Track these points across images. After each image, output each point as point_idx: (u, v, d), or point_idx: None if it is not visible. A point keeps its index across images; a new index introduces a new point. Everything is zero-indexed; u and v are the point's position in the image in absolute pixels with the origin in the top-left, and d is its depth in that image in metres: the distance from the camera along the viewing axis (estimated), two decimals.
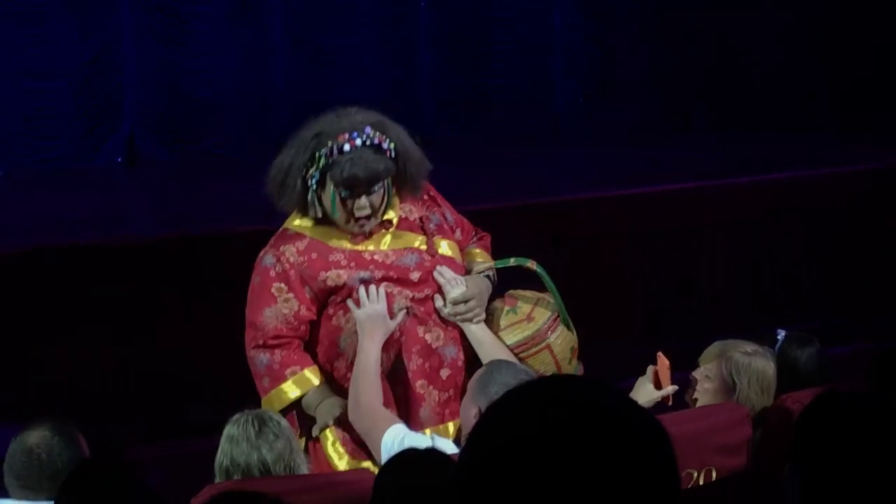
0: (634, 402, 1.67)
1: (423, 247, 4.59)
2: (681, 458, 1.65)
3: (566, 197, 8.14)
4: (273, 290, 4.48)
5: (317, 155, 4.44)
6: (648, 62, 11.47)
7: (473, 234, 4.83)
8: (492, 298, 4.66)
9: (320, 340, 4.56)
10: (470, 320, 4.52)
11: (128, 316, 6.70)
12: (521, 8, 11.28)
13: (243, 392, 5.97)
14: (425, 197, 4.70)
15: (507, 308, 4.62)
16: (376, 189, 4.45)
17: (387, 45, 10.88)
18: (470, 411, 4.03)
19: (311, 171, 4.43)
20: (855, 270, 8.28)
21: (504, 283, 4.74)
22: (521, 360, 4.50)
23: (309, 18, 10.67)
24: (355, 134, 4.41)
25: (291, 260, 4.49)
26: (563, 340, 4.58)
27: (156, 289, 6.76)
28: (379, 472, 3.42)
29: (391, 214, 4.58)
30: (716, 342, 4.65)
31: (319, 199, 4.47)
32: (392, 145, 4.46)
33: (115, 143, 10.13)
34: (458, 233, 4.75)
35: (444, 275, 4.54)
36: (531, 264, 4.65)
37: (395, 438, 4.15)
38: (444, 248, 4.63)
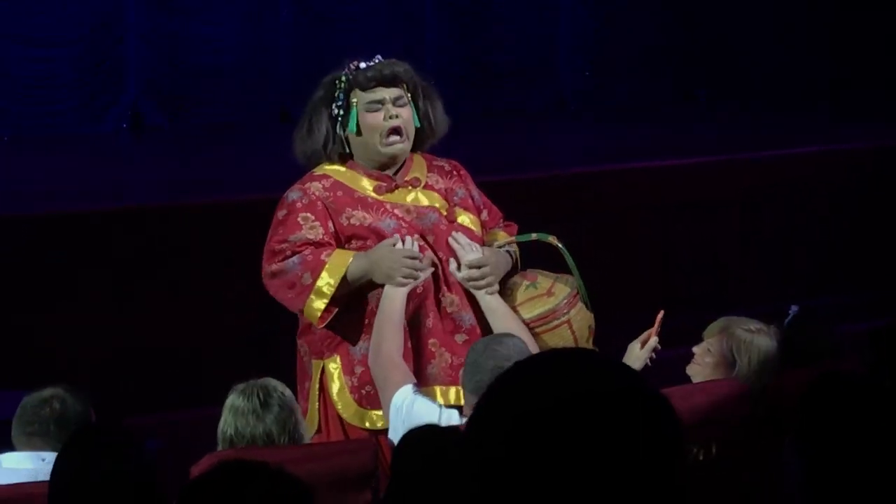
0: (639, 375, 1.68)
1: (444, 211, 4.61)
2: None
3: (579, 170, 8.14)
4: (299, 219, 4.49)
5: (336, 83, 4.55)
6: (653, 36, 11.45)
7: (501, 220, 4.84)
8: (512, 274, 4.68)
9: None
10: (482, 288, 4.53)
11: (128, 284, 6.70)
12: None
13: (243, 360, 5.99)
14: (454, 173, 4.73)
15: (526, 283, 4.64)
16: (401, 101, 4.53)
17: (392, 14, 10.86)
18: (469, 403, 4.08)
19: (335, 96, 4.52)
20: (875, 247, 8.26)
21: (523, 263, 4.75)
22: (539, 334, 4.52)
23: None
24: (369, 58, 4.58)
25: (318, 194, 4.52)
26: (581, 317, 4.60)
27: (157, 257, 6.76)
28: (399, 443, 3.40)
29: (418, 174, 4.62)
30: (721, 318, 4.66)
31: (345, 128, 4.54)
32: (406, 67, 4.61)
33: (119, 111, 10.12)
34: (484, 213, 4.77)
35: (459, 240, 4.56)
36: (552, 239, 4.65)
37: (406, 400, 4.17)
38: (465, 219, 4.65)
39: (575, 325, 4.56)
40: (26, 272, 6.58)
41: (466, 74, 10.99)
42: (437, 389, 4.45)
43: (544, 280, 4.64)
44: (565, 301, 4.57)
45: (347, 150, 4.59)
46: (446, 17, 11.09)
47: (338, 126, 4.56)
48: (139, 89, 10.17)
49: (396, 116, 4.51)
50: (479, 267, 4.52)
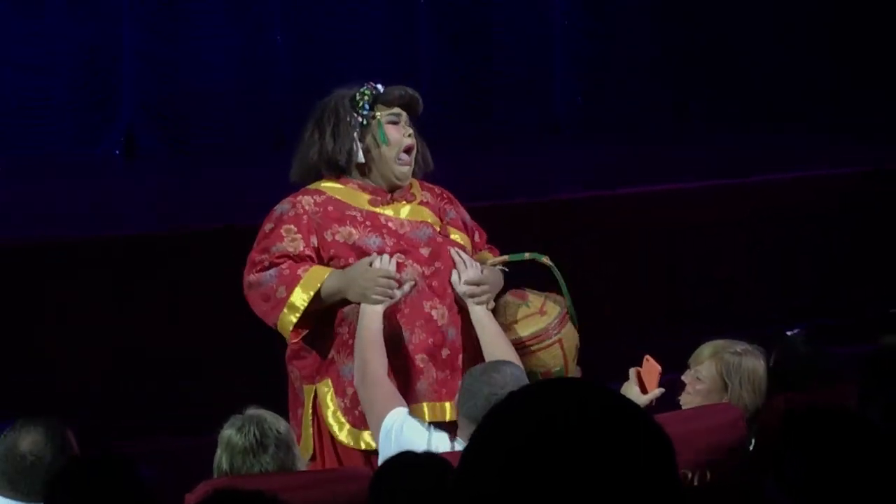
0: (633, 403, 1.67)
1: (437, 227, 4.67)
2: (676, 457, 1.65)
3: (583, 194, 8.15)
4: (283, 230, 4.53)
5: (357, 95, 4.65)
6: (647, 57, 11.47)
7: (485, 242, 4.91)
8: (501, 293, 4.72)
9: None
10: (479, 303, 4.57)
11: (122, 310, 6.70)
12: (522, 4, 11.28)
13: (238, 386, 5.99)
14: (444, 197, 4.83)
15: (518, 301, 4.67)
16: (410, 126, 4.67)
17: (387, 39, 10.88)
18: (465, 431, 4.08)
19: (359, 105, 4.61)
20: (876, 268, 8.24)
21: (512, 280, 4.78)
22: (534, 352, 4.57)
23: (308, 11, 10.66)
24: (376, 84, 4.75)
25: (307, 207, 4.57)
26: (570, 336, 4.65)
27: (152, 283, 6.76)
28: (375, 474, 3.42)
29: (413, 191, 4.71)
30: (705, 343, 4.66)
31: (375, 138, 4.63)
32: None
33: (114, 135, 10.12)
34: (476, 235, 4.85)
35: (462, 254, 4.61)
36: (545, 259, 4.70)
37: (395, 423, 4.17)
38: (457, 237, 4.73)
39: (565, 344, 4.62)
40: (21, 300, 6.57)
41: (461, 95, 11.01)
42: (426, 406, 4.46)
43: (535, 298, 4.70)
44: (557, 320, 4.62)
45: (363, 161, 4.64)
46: (442, 41, 11.11)
47: (357, 135, 4.62)
48: (134, 113, 10.17)
49: (411, 136, 4.66)
50: (477, 284, 4.55)
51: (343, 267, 4.51)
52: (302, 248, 4.50)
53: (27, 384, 6.35)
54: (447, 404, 4.51)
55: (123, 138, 10.13)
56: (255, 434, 3.83)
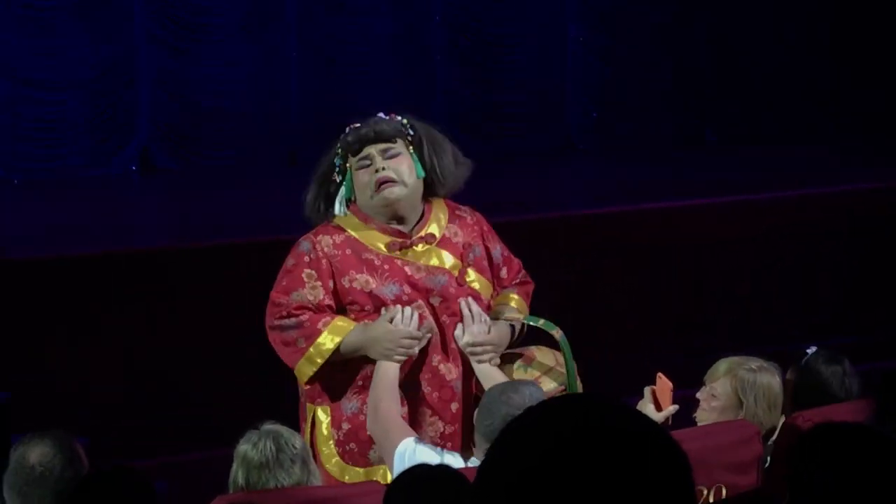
0: (649, 420, 1.66)
1: (456, 272, 4.56)
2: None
3: (586, 211, 8.15)
4: (304, 275, 4.47)
5: (337, 151, 4.56)
6: (659, 76, 11.49)
7: (518, 275, 4.76)
8: (514, 346, 4.64)
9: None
10: (481, 361, 4.50)
11: (136, 325, 6.71)
12: (534, 23, 11.30)
13: (250, 402, 5.99)
14: (476, 228, 4.67)
15: (519, 362, 4.58)
16: (392, 153, 4.50)
17: (400, 59, 10.90)
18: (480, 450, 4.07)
19: (336, 166, 4.53)
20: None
21: (531, 334, 4.71)
22: None
23: (323, 31, 10.69)
24: (369, 117, 4.59)
25: (326, 250, 4.49)
26: None
27: (165, 299, 6.77)
28: (389, 487, 3.42)
29: (434, 229, 4.58)
30: (720, 360, 4.64)
31: (343, 188, 4.54)
32: (406, 121, 4.57)
33: (129, 153, 10.15)
34: (503, 271, 4.70)
35: (472, 308, 4.51)
36: (556, 332, 4.59)
37: (408, 450, 4.16)
38: (476, 283, 4.58)
39: None
40: (37, 312, 6.58)
41: (473, 115, 11.02)
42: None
43: (537, 368, 4.55)
44: (548, 396, 4.51)
45: (345, 214, 4.57)
46: (456, 60, 11.12)
47: (340, 192, 4.56)
48: (149, 132, 10.20)
49: (384, 168, 4.48)
50: (480, 344, 4.48)
51: (359, 313, 4.47)
52: (321, 298, 4.45)
53: (38, 402, 6.35)
54: None
55: (139, 156, 10.16)
56: (270, 449, 3.83)
